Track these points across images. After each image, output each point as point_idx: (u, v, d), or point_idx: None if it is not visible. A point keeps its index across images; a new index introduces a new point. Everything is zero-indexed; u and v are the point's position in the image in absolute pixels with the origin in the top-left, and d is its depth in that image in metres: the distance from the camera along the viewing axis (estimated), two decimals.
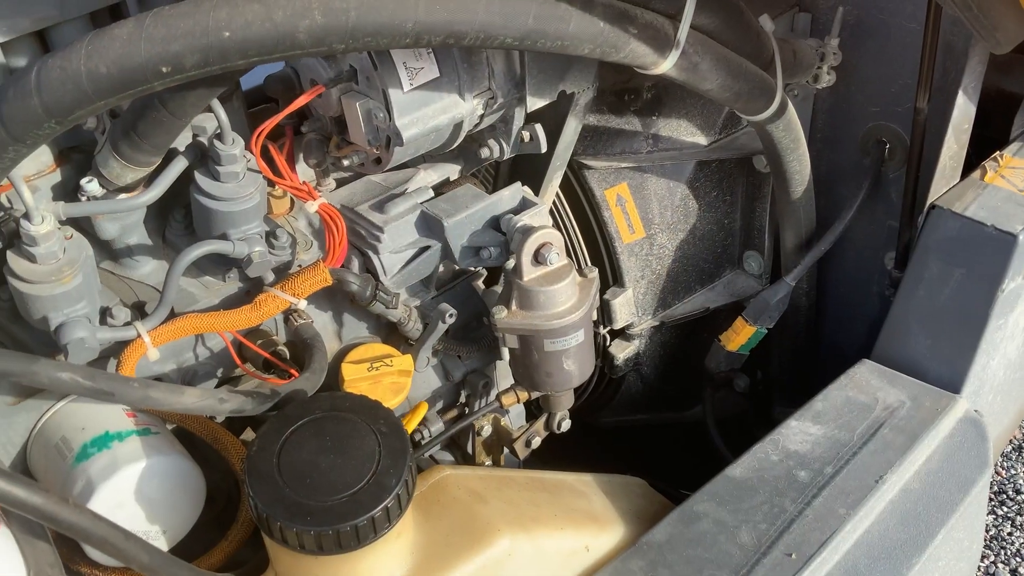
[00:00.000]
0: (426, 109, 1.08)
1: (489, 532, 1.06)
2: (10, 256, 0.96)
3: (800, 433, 1.35)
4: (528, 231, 1.18)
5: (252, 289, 1.19)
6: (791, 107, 1.29)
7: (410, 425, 1.26)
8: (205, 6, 0.73)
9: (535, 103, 1.16)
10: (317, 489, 0.92)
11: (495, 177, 1.48)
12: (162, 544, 1.03)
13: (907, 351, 1.43)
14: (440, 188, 1.31)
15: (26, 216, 0.92)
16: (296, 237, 1.21)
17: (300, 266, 1.20)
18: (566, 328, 1.21)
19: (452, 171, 1.33)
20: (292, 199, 1.25)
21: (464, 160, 1.33)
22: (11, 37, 1.03)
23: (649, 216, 1.53)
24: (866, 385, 1.41)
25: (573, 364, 1.25)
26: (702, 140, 1.52)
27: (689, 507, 1.22)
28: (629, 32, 0.89)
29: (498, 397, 1.31)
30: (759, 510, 1.20)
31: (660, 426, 1.87)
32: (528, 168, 1.40)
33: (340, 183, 1.31)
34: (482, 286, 1.44)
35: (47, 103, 0.75)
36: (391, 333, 1.31)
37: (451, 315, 1.24)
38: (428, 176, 1.31)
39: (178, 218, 1.16)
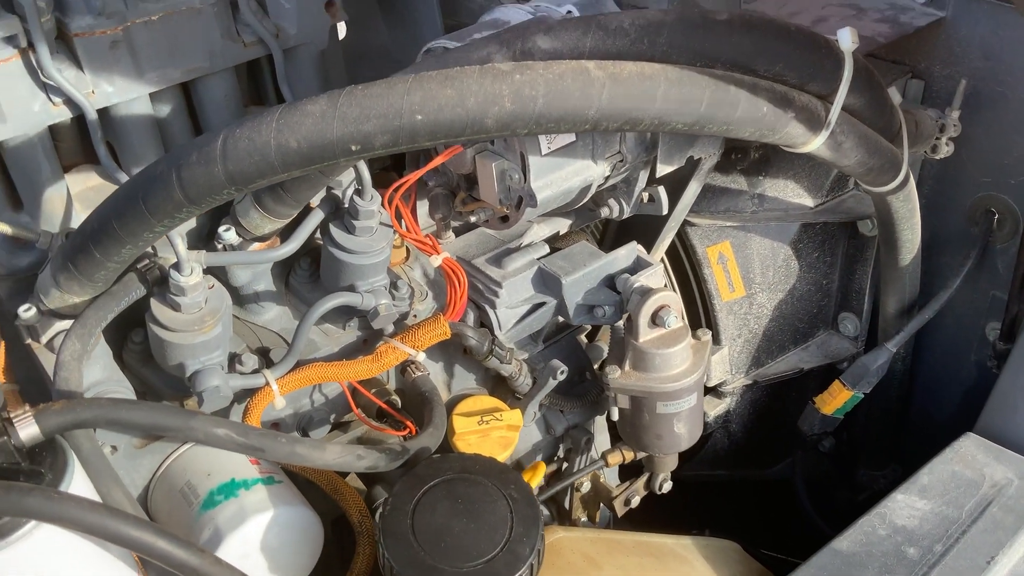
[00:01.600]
0: (560, 172, 1.08)
1: None
2: (154, 304, 0.98)
3: (907, 507, 1.33)
4: (646, 293, 1.18)
5: (369, 338, 1.20)
6: (912, 179, 1.28)
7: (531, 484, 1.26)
8: (399, 88, 0.73)
9: (664, 169, 1.16)
10: (451, 553, 0.92)
11: (603, 231, 1.48)
12: None
13: (1014, 426, 1.41)
14: (551, 241, 1.31)
15: (176, 266, 0.94)
16: (413, 287, 1.22)
17: (415, 316, 1.21)
18: (679, 391, 1.20)
19: (563, 225, 1.34)
20: (408, 248, 1.26)
21: (577, 214, 1.33)
22: (162, 87, 1.05)
23: (750, 275, 1.53)
24: (972, 460, 1.39)
25: (683, 427, 1.24)
26: (809, 202, 1.51)
27: None
28: (787, 114, 0.89)
29: (603, 455, 1.31)
30: None
31: (739, 482, 1.85)
32: (639, 223, 1.40)
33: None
34: (585, 340, 1.44)
35: (231, 171, 0.76)
36: (498, 385, 1.31)
37: (562, 372, 1.24)
38: (541, 230, 1.31)
39: (304, 266, 1.18)
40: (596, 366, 1.41)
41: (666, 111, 0.81)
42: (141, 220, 0.82)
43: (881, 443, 1.81)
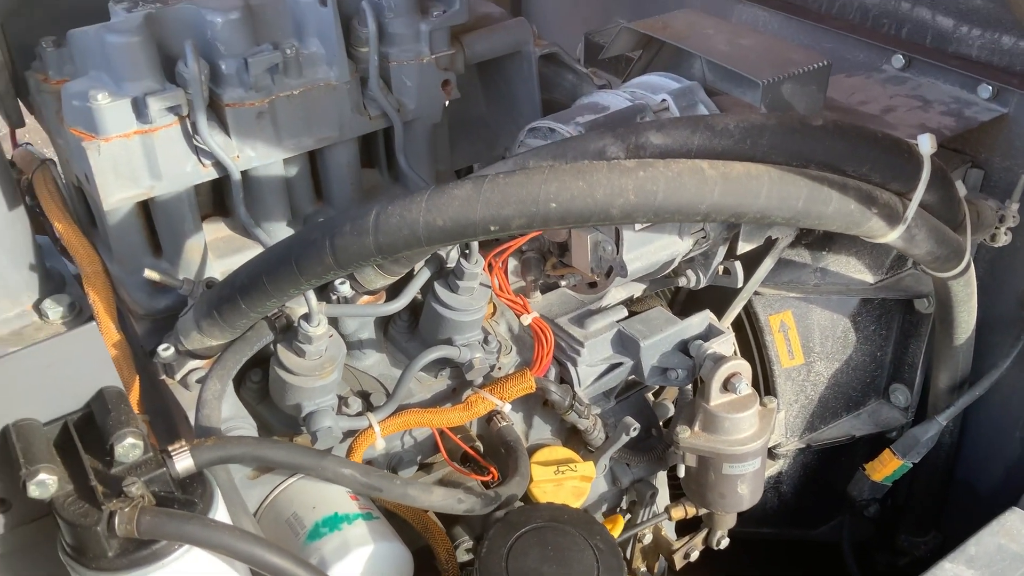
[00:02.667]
0: (650, 246, 1.18)
1: None
2: (280, 350, 1.07)
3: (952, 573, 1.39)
4: (719, 360, 1.26)
5: (458, 387, 1.29)
6: (972, 265, 1.36)
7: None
8: (536, 179, 0.83)
9: (744, 247, 1.25)
10: None
11: (673, 295, 1.57)
12: None
13: None
14: (626, 304, 1.40)
15: (306, 317, 1.04)
16: (500, 342, 1.31)
17: (499, 368, 1.30)
18: (746, 455, 1.28)
19: (638, 289, 1.43)
20: (495, 304, 1.35)
21: (652, 281, 1.42)
22: (296, 153, 1.16)
23: (810, 344, 1.61)
24: (1018, 534, 1.45)
25: (746, 489, 1.32)
26: (869, 278, 1.59)
27: None
28: (871, 211, 0.98)
29: (667, 509, 1.38)
30: None
31: (786, 541, 1.91)
32: (708, 291, 1.49)
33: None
34: (651, 398, 1.52)
35: (380, 243, 0.86)
36: (571, 437, 1.39)
37: (635, 429, 1.32)
38: (618, 293, 1.40)
39: (403, 318, 1.27)
40: (661, 423, 1.49)
41: (768, 207, 0.90)
42: (291, 279, 0.92)
43: (924, 511, 1.87)
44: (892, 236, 1.06)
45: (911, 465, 1.64)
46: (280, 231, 1.18)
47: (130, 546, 0.82)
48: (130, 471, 0.85)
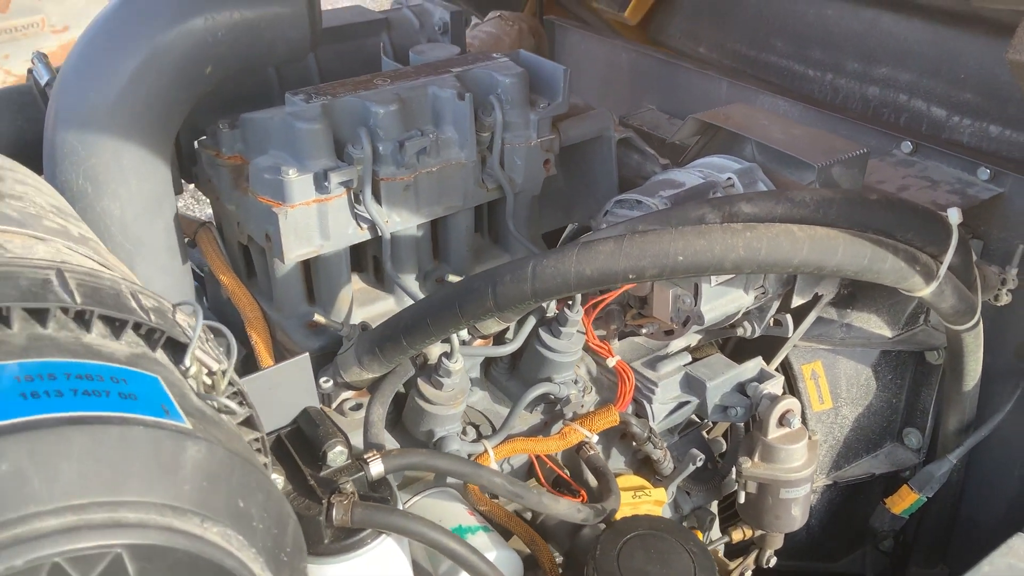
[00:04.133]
0: (722, 299, 1.40)
1: None
2: (420, 383, 1.27)
3: None
4: (775, 399, 1.48)
5: (549, 420, 1.49)
6: (981, 320, 1.59)
7: None
8: (667, 238, 1.05)
9: (797, 301, 1.48)
10: None
11: (723, 343, 1.79)
12: None
13: None
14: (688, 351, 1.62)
15: (447, 355, 1.24)
16: (584, 382, 1.52)
17: (582, 405, 1.50)
18: (799, 481, 1.49)
19: (695, 339, 1.65)
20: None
21: (707, 331, 1.64)
22: (429, 219, 1.38)
23: (837, 391, 1.83)
24: None
25: (798, 511, 1.52)
26: (887, 333, 1.83)
27: None
28: (914, 269, 1.21)
29: (728, 532, 1.58)
30: None
31: (811, 573, 2.11)
32: (753, 340, 1.71)
33: None
34: (706, 435, 1.73)
35: (536, 289, 1.07)
36: (642, 467, 1.59)
37: (700, 459, 1.53)
38: (680, 342, 1.62)
39: (504, 361, 1.48)
40: (716, 456, 1.70)
41: (842, 263, 1.13)
42: (453, 321, 1.13)
43: (933, 545, 2.08)
44: (927, 291, 1.30)
45: (926, 499, 1.85)
46: (411, 283, 1.39)
47: (341, 534, 1.01)
48: (336, 474, 1.04)
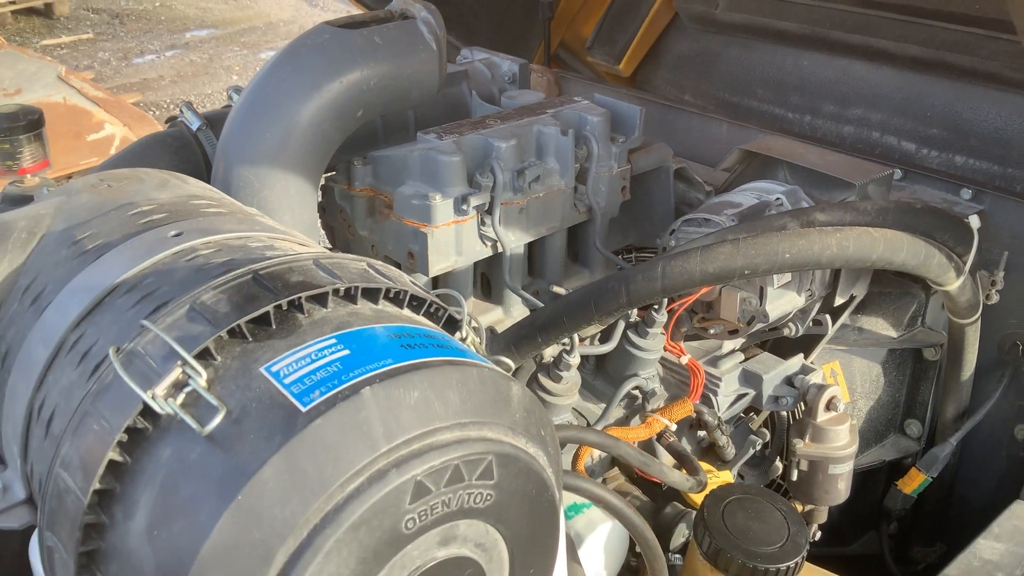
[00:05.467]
0: (781, 300, 1.64)
1: None
2: (541, 377, 1.47)
3: (988, 548, 1.84)
4: (822, 387, 1.72)
5: (629, 413, 1.70)
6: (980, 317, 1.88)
7: None
8: (775, 239, 1.28)
9: (839, 301, 1.73)
10: (753, 540, 1.40)
11: (761, 345, 2.03)
12: None
13: None
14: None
15: (568, 351, 1.44)
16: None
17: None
18: (844, 457, 1.73)
19: (739, 343, 1.88)
20: None
21: (749, 335, 1.88)
22: (535, 238, 1.58)
23: (853, 386, 2.08)
24: None
25: (843, 485, 1.75)
26: (893, 333, 2.10)
27: None
28: (950, 265, 1.47)
29: None
30: None
31: (825, 557, 2.34)
32: (781, 340, 1.95)
33: None
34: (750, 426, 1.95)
35: (665, 285, 1.29)
36: (706, 453, 1.81)
37: (759, 444, 1.75)
38: (729, 345, 1.85)
39: (591, 360, 1.68)
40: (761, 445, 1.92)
41: (905, 260, 1.38)
42: (587, 318, 1.34)
43: (932, 525, 2.34)
44: (955, 285, 1.56)
45: (932, 479, 2.11)
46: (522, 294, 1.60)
47: None
48: None
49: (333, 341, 0.80)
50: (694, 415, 1.67)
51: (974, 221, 1.53)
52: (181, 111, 1.53)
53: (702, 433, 1.75)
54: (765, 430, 1.95)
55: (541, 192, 1.53)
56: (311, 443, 0.71)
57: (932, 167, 2.36)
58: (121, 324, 0.87)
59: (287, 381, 0.76)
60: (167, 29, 11.74)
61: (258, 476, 0.69)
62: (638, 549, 1.58)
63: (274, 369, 0.77)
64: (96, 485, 0.76)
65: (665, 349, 1.70)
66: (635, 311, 1.60)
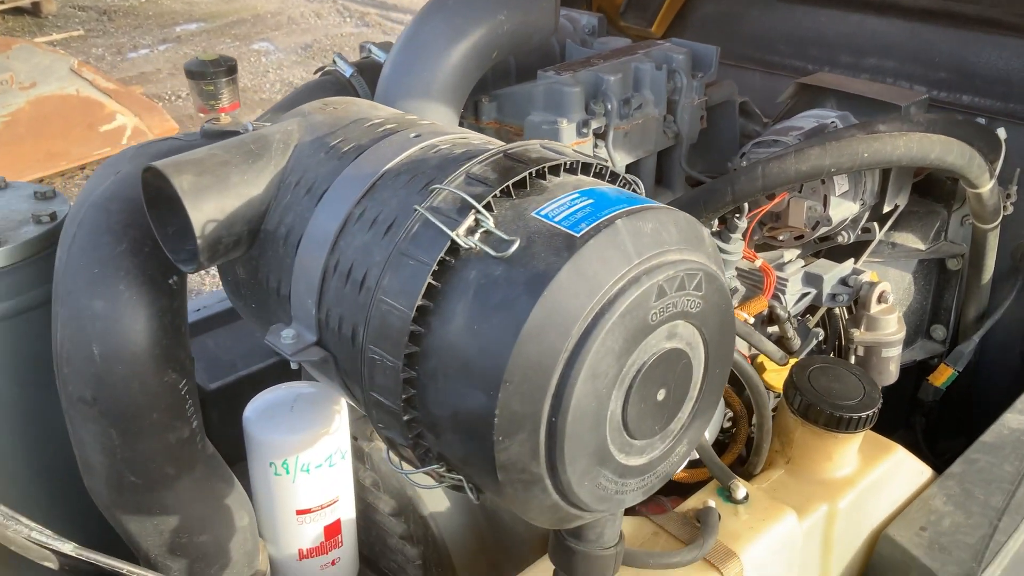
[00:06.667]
0: (840, 207, 1.94)
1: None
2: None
3: (1015, 419, 2.16)
4: (873, 284, 2.02)
5: None
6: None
7: None
8: (855, 142, 1.58)
9: (887, 208, 2.03)
10: (836, 397, 1.70)
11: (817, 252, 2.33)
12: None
13: None
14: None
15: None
16: None
17: None
18: (895, 342, 2.03)
19: (795, 253, 2.18)
20: None
21: (804, 246, 2.17)
22: (634, 160, 1.87)
23: None
24: None
25: (894, 367, 2.06)
26: (921, 246, 2.40)
27: (967, 456, 2.00)
28: (984, 168, 1.77)
29: None
30: (1011, 455, 2.00)
31: None
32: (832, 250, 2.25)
33: None
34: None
35: (766, 184, 1.57)
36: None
37: (820, 335, 2.05)
38: (790, 253, 2.15)
39: None
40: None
41: (956, 161, 1.67)
42: (696, 216, 1.62)
43: (955, 419, 2.66)
44: (987, 188, 1.87)
45: (958, 372, 2.43)
46: None
47: None
48: None
49: (577, 195, 1.08)
50: (767, 311, 1.97)
51: (1001, 132, 1.83)
52: (334, 61, 1.79)
53: (772, 329, 2.04)
54: (819, 329, 2.26)
55: (640, 119, 1.82)
56: (588, 256, 0.99)
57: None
58: (399, 198, 1.15)
59: (556, 219, 1.04)
60: (156, 24, 11.86)
61: (556, 279, 0.97)
62: (725, 425, 1.89)
63: (543, 213, 1.05)
64: (419, 302, 1.03)
65: (743, 254, 1.99)
66: (716, 222, 1.89)
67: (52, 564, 1.54)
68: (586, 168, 1.15)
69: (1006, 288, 2.44)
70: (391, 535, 1.77)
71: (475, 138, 1.27)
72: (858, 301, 2.03)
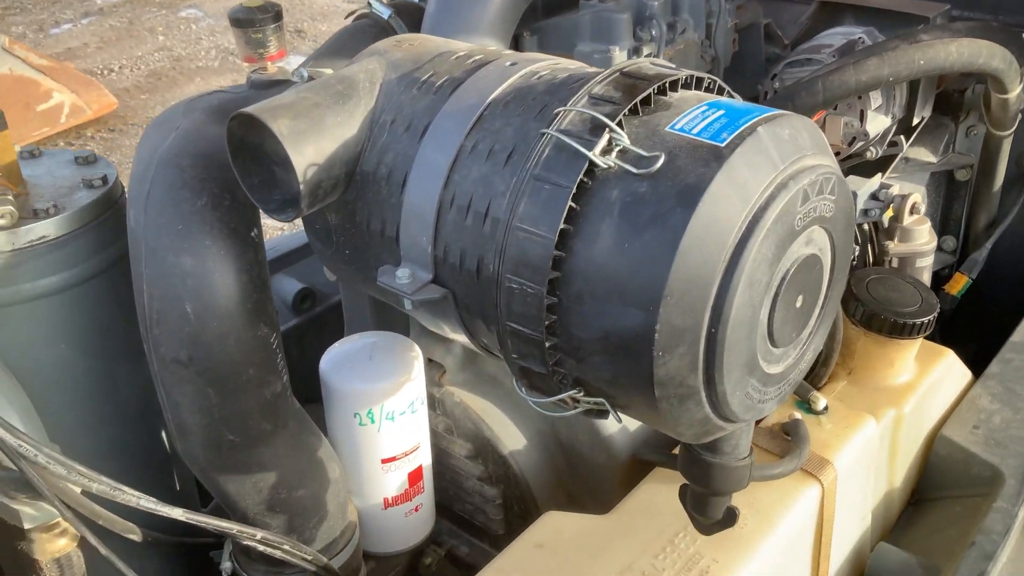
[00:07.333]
0: (875, 122, 1.96)
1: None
2: None
3: None
4: (904, 196, 2.06)
5: None
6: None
7: None
8: (910, 51, 1.60)
9: (915, 121, 2.06)
10: (896, 305, 1.73)
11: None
12: None
13: None
14: None
15: None
16: None
17: None
18: (927, 252, 2.07)
19: None
20: None
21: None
22: None
23: None
24: None
25: (927, 276, 2.11)
26: (933, 159, 2.45)
27: (1001, 356, 2.07)
28: (1014, 71, 1.81)
29: None
30: None
31: None
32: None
33: None
34: None
35: (827, 97, 1.59)
36: None
37: (856, 251, 2.08)
38: None
39: None
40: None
41: (998, 65, 1.71)
42: None
43: (965, 326, 2.74)
44: (1015, 92, 1.91)
45: (972, 280, 2.50)
46: None
47: None
48: None
49: (705, 107, 1.07)
50: None
51: None
52: (369, 4, 1.74)
53: None
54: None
55: (681, 44, 1.81)
56: (737, 164, 0.99)
57: None
58: (514, 126, 1.13)
59: (694, 132, 1.03)
60: None
61: (710, 189, 0.97)
62: None
63: (678, 127, 1.04)
64: (561, 226, 1.02)
65: None
66: None
67: (136, 536, 1.51)
68: (698, 83, 1.14)
69: (1012, 195, 2.51)
70: (468, 478, 1.77)
71: (569, 64, 1.25)
72: (892, 213, 2.07)
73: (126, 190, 1.57)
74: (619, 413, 1.11)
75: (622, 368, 1.03)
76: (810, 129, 1.08)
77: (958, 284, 2.48)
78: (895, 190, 2.09)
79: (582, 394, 1.10)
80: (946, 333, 2.80)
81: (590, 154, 1.02)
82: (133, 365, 1.55)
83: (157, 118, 1.46)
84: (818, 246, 1.10)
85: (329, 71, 1.38)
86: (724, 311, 0.98)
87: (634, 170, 1.01)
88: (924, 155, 2.46)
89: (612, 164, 1.02)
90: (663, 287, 0.96)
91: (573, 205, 1.02)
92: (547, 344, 1.06)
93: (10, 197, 1.40)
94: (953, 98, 2.36)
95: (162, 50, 9.33)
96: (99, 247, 1.48)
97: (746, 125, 1.02)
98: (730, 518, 1.23)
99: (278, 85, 1.55)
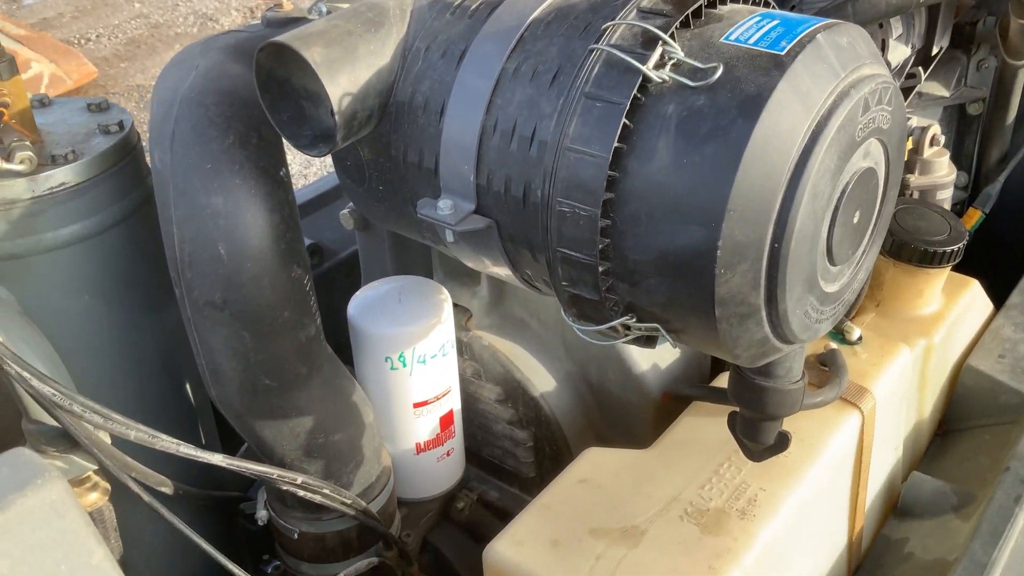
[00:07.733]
0: (897, 51, 1.93)
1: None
2: None
3: None
4: (925, 127, 2.04)
5: None
6: None
7: None
8: None
9: (934, 51, 2.03)
10: (925, 234, 1.72)
11: None
12: None
13: None
14: None
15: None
16: None
17: None
18: (947, 184, 2.06)
19: None
20: None
21: None
22: None
23: None
24: None
25: (947, 206, 2.09)
26: (945, 93, 2.43)
27: (1021, 286, 2.07)
28: None
29: None
30: None
31: None
32: None
33: None
34: None
35: (859, 21, 1.55)
36: None
37: None
38: None
39: None
40: None
41: None
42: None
43: (978, 260, 2.73)
44: None
45: (985, 215, 2.49)
46: None
47: None
48: None
49: (759, 17, 1.04)
50: None
51: None
52: None
53: None
54: None
55: None
56: (799, 73, 0.96)
57: None
58: (558, 45, 1.10)
59: (751, 42, 1.00)
60: None
61: (772, 98, 0.94)
62: None
63: (733, 37, 1.01)
64: (615, 144, 0.99)
65: None
66: None
67: (167, 489, 1.48)
68: None
69: (1021, 131, 2.49)
70: (497, 422, 1.75)
71: None
72: (911, 144, 2.05)
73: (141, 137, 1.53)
74: (671, 338, 1.09)
75: (680, 289, 1.00)
76: (865, 38, 1.05)
77: (972, 219, 2.47)
78: (913, 123, 2.07)
79: (634, 320, 1.08)
80: (959, 267, 2.80)
81: (643, 68, 0.99)
82: (156, 316, 1.52)
83: (173, 59, 1.41)
84: (875, 159, 1.07)
85: (346, 4, 1.33)
86: (788, 225, 0.96)
87: (690, 83, 0.98)
88: (937, 89, 2.43)
89: (667, 78, 0.99)
90: (726, 202, 0.94)
91: (627, 122, 0.99)
92: (600, 269, 1.04)
93: (27, 143, 1.35)
94: (965, 30, 2.33)
95: (139, 17, 9.15)
96: (119, 194, 1.44)
97: (804, 33, 0.99)
98: (782, 442, 1.21)
99: (294, 23, 1.50)
